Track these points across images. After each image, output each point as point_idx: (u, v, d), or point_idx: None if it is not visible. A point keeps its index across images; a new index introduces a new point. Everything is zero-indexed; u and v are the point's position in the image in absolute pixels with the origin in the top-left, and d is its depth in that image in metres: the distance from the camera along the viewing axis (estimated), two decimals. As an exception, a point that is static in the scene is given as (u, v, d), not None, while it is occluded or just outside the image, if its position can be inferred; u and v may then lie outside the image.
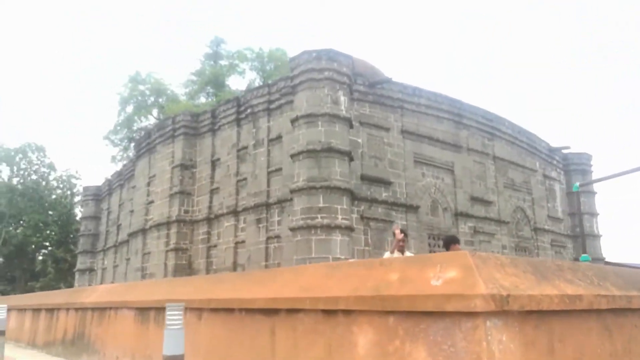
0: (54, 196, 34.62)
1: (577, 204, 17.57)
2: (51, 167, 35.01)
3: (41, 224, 31.50)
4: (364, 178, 13.76)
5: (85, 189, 27.50)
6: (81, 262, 26.40)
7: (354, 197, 13.03)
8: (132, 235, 20.49)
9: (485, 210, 17.12)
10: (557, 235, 20.17)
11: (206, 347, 5.16)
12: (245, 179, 15.75)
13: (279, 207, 14.22)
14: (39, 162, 34.29)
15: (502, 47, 76.02)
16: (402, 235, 6.49)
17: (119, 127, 39.52)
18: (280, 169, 14.49)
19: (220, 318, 5.03)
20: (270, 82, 15.83)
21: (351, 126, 13.19)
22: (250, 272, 5.35)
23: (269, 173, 14.87)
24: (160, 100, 39.98)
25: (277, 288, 4.50)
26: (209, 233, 17.00)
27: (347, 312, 3.71)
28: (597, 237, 21.05)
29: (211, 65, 38.85)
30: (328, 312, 3.87)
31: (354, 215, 13.09)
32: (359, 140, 13.91)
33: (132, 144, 40.41)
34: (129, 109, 38.99)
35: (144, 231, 19.51)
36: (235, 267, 15.40)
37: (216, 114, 17.74)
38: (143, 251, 19.27)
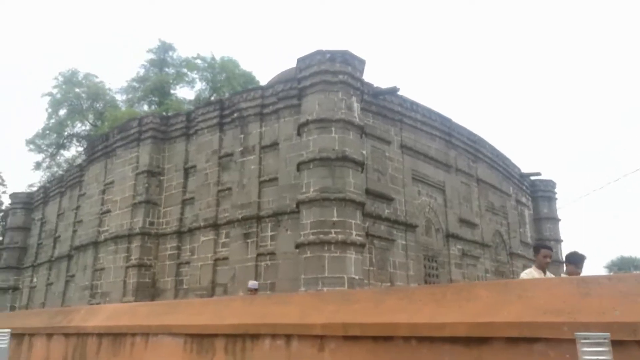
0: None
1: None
2: (-29, 170, 30.70)
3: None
4: (368, 192, 12.76)
5: (14, 195, 24.23)
6: (2, 280, 22.96)
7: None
8: (78, 249, 18.01)
9: (471, 233, 16.69)
10: (527, 261, 20.18)
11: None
12: (229, 189, 14.21)
13: (274, 220, 12.84)
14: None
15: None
16: (550, 252, 5.68)
17: (47, 132, 36.02)
18: (275, 179, 13.16)
19: (365, 349, 3.77)
20: (263, 85, 14.53)
21: (362, 135, 12.22)
22: (415, 288, 4.09)
23: (260, 183, 13.46)
24: (96, 105, 37.06)
25: (482, 309, 3.34)
26: (179, 248, 15.15)
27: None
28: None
29: (156, 72, 36.61)
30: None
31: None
32: (364, 152, 12.95)
33: (62, 151, 36.93)
34: (62, 112, 35.73)
35: (95, 244, 17.18)
36: (213, 287, 13.70)
37: (192, 118, 16.09)
38: (94, 267, 16.91)
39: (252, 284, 10.49)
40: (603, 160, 72.29)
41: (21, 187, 31.13)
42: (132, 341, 5.86)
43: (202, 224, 14.44)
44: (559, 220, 22.12)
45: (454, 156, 16.70)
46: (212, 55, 35.58)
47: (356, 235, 10.99)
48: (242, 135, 14.29)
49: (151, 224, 15.78)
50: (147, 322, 5.72)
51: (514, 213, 20.00)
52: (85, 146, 37.17)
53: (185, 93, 43.96)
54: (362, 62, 12.26)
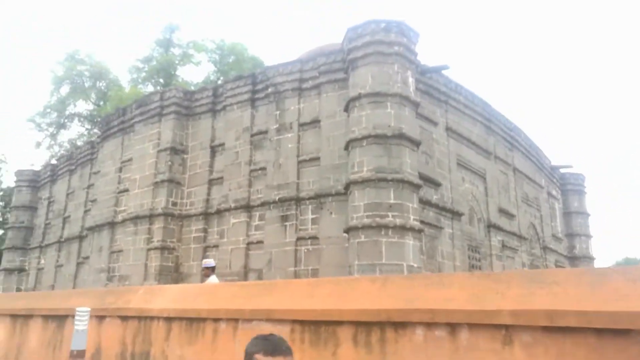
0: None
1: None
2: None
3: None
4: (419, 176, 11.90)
5: (19, 173, 23.10)
6: (8, 261, 21.92)
7: (414, 195, 11.12)
8: (92, 229, 17.02)
9: (509, 224, 15.93)
10: (559, 256, 19.52)
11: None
12: (262, 168, 13.29)
13: (316, 202, 11.95)
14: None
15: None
16: None
17: (48, 110, 35.00)
18: (316, 158, 12.26)
19: (583, 345, 2.92)
20: (302, 57, 13.56)
21: (416, 113, 11.35)
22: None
23: (299, 162, 12.56)
24: (99, 84, 36.07)
25: None
26: (205, 231, 14.24)
27: None
28: (592, 259, 20.73)
29: (161, 53, 35.66)
30: None
31: (412, 217, 11.16)
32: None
33: (62, 130, 35.80)
34: (64, 90, 34.69)
35: (112, 225, 16.21)
36: (246, 272, 12.83)
37: (219, 93, 15.11)
38: (110, 249, 15.95)
39: (207, 262, 8.88)
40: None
41: (24, 166, 29.85)
42: (214, 327, 4.97)
43: (232, 205, 13.53)
44: (589, 215, 21.44)
45: (493, 143, 15.91)
46: (221, 39, 34.70)
47: (414, 220, 10.14)
48: (277, 112, 13.36)
49: (174, 204, 14.83)
50: (237, 306, 4.83)
51: (546, 206, 19.27)
52: (87, 126, 36.08)
53: (191, 75, 42.78)
54: (417, 35, 11.35)
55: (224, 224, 13.71)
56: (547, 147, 69.97)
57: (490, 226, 14.65)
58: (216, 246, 13.72)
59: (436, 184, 12.52)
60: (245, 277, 12.70)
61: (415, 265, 9.84)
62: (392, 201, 9.96)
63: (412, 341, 3.60)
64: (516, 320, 3.15)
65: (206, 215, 14.27)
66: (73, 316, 6.69)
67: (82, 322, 3.91)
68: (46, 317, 7.14)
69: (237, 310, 4.80)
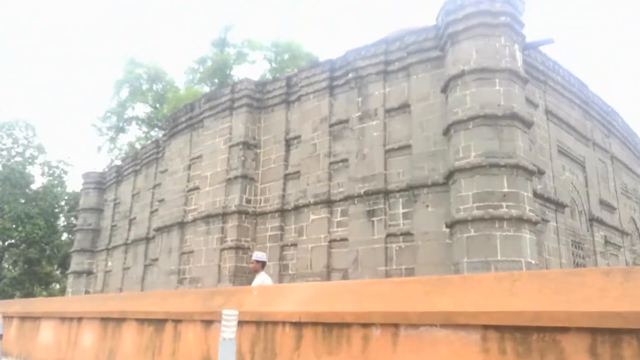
0: (40, 184, 29.51)
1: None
2: (40, 149, 29.87)
3: (24, 216, 26.44)
4: (522, 163, 10.66)
5: (86, 175, 23.14)
6: (77, 263, 21.93)
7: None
8: (161, 230, 16.57)
9: (611, 218, 14.36)
10: (659, 254, 17.64)
11: None
12: (344, 160, 12.36)
13: (408, 195, 10.89)
14: (26, 142, 29.14)
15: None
16: None
17: (109, 114, 35.50)
18: (407, 146, 11.20)
19: None
20: (387, 37, 12.54)
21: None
22: None
23: (386, 152, 11.55)
24: (156, 86, 36.34)
25: None
26: (282, 228, 13.44)
27: None
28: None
29: (216, 52, 35.54)
30: None
31: (520, 209, 9.93)
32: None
33: (121, 134, 36.15)
34: (123, 94, 35.17)
35: (182, 225, 15.68)
36: (329, 272, 11.91)
37: (293, 82, 14.31)
38: (181, 250, 15.42)
39: (258, 255, 7.55)
40: None
41: (87, 170, 30.52)
42: (364, 334, 4.00)
43: (311, 200, 12.66)
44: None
45: (590, 128, 14.39)
46: (277, 37, 34.31)
47: (529, 210, 8.94)
48: (359, 99, 12.40)
49: (248, 201, 14.12)
50: (396, 308, 3.86)
51: (644, 198, 17.46)
52: (144, 128, 36.36)
53: (246, 75, 42.57)
54: (523, 3, 10.14)
55: (302, 220, 12.87)
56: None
57: (592, 220, 13.17)
58: (294, 244, 12.89)
59: (540, 172, 11.21)
60: (328, 277, 11.79)
61: (534, 262, 8.66)
62: (505, 189, 8.80)
63: None
64: None
65: (282, 212, 13.47)
66: (172, 320, 5.95)
67: (229, 329, 3.04)
68: (142, 321, 6.41)
69: (399, 313, 3.81)
